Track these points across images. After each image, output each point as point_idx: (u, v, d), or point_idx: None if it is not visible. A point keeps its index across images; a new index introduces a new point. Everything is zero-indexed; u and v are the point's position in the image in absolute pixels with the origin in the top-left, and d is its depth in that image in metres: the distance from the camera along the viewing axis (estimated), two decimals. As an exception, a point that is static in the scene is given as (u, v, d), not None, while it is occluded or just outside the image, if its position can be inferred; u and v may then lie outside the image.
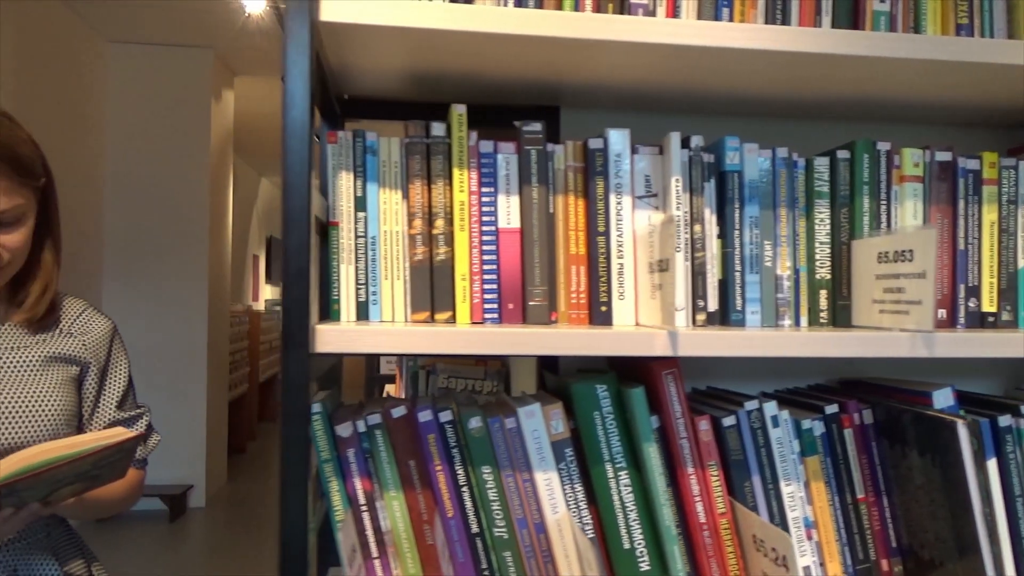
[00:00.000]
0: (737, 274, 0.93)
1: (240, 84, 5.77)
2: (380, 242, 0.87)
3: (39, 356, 1.07)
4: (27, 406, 1.02)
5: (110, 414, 1.15)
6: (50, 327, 1.12)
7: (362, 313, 0.87)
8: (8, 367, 1.04)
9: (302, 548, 0.70)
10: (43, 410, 1.04)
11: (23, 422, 1.01)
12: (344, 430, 0.84)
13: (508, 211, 0.90)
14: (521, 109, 1.07)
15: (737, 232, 0.93)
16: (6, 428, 1.00)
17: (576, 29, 0.82)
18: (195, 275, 5.02)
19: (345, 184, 0.87)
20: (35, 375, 1.06)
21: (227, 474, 5.75)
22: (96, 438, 0.90)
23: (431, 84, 0.99)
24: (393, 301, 0.88)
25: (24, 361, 1.06)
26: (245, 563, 4.05)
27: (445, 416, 0.85)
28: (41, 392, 1.04)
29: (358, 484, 0.84)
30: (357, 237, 0.87)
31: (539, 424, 0.86)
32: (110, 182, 4.88)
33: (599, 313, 0.90)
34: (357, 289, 0.87)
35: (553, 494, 0.87)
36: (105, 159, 4.86)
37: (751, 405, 0.91)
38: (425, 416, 0.85)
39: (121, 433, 0.92)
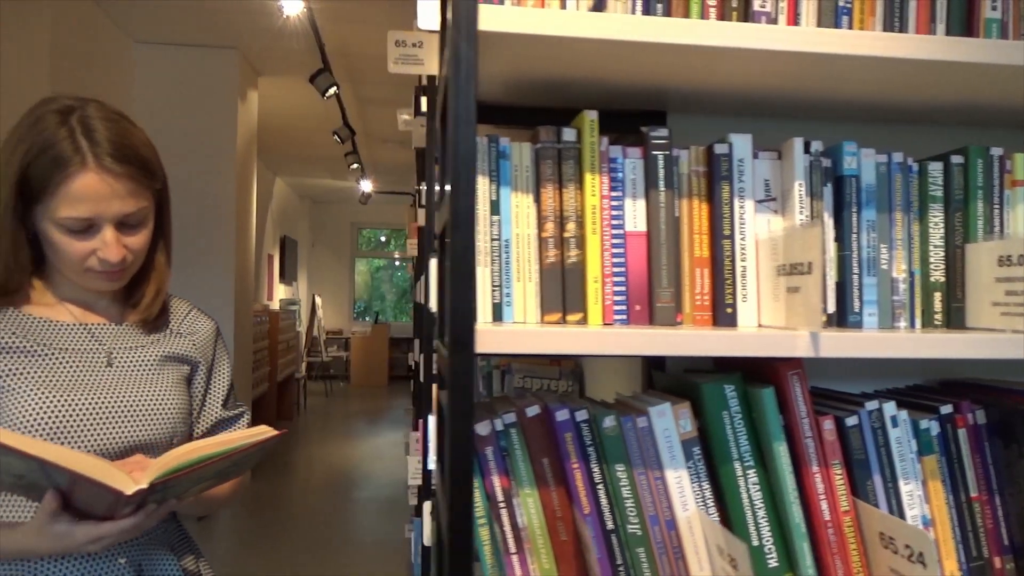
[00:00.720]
0: (855, 277, 0.95)
1: (261, 84, 5.79)
2: (513, 245, 0.89)
3: (155, 356, 1.09)
4: (148, 405, 1.04)
5: (216, 413, 1.17)
6: (161, 327, 1.14)
7: (496, 314, 0.89)
8: (127, 367, 1.06)
9: (468, 545, 0.72)
10: (163, 409, 1.06)
11: (146, 421, 1.03)
12: (483, 428, 0.86)
13: (635, 215, 0.92)
14: (625, 114, 1.09)
15: (854, 235, 0.95)
16: (131, 427, 1.02)
17: (709, 37, 0.84)
18: (222, 274, 5.05)
19: (481, 188, 0.88)
20: (153, 375, 1.08)
21: (250, 472, 5.77)
22: (243, 436, 0.92)
23: (547, 90, 1.01)
24: (525, 302, 0.90)
25: (142, 361, 1.08)
26: (271, 564, 4.07)
27: (581, 415, 0.87)
28: (160, 392, 1.06)
29: (496, 481, 0.86)
30: (492, 240, 0.89)
31: (670, 423, 0.88)
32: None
33: (724, 315, 0.92)
34: (492, 291, 0.88)
35: (683, 491, 0.88)
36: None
37: (871, 405, 0.93)
38: (562, 415, 0.87)
39: (265, 432, 0.94)
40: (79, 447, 0.98)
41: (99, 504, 0.87)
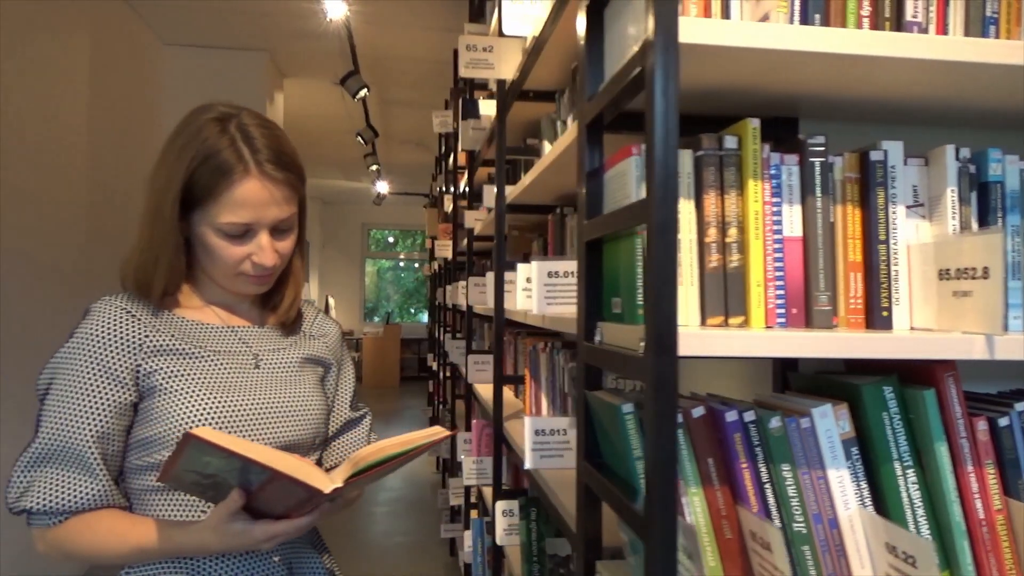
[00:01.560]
0: (1001, 280, 0.97)
1: (284, 85, 5.81)
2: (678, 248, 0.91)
3: (295, 358, 1.12)
4: (296, 406, 1.07)
5: (345, 414, 1.19)
6: (297, 330, 1.16)
7: (664, 318, 0.91)
8: (273, 368, 1.08)
9: (673, 545, 0.74)
10: (309, 409, 1.08)
11: (295, 421, 1.05)
12: (653, 429, 0.88)
13: (791, 220, 0.94)
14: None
15: (999, 240, 0.97)
16: (283, 427, 1.04)
17: (868, 46, 0.86)
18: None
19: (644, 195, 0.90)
20: (296, 376, 1.10)
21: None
22: (423, 435, 0.94)
23: (689, 98, 1.03)
24: (687, 306, 0.92)
25: (285, 363, 1.10)
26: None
27: (749, 416, 0.89)
28: (305, 392, 1.09)
29: (666, 481, 0.88)
30: (658, 245, 0.91)
31: (831, 424, 0.90)
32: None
33: (880, 318, 0.94)
34: (659, 295, 0.90)
35: (845, 490, 0.91)
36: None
37: (1021, 406, 0.95)
38: (731, 416, 0.89)
39: (439, 432, 0.96)
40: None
41: (281, 503, 0.89)
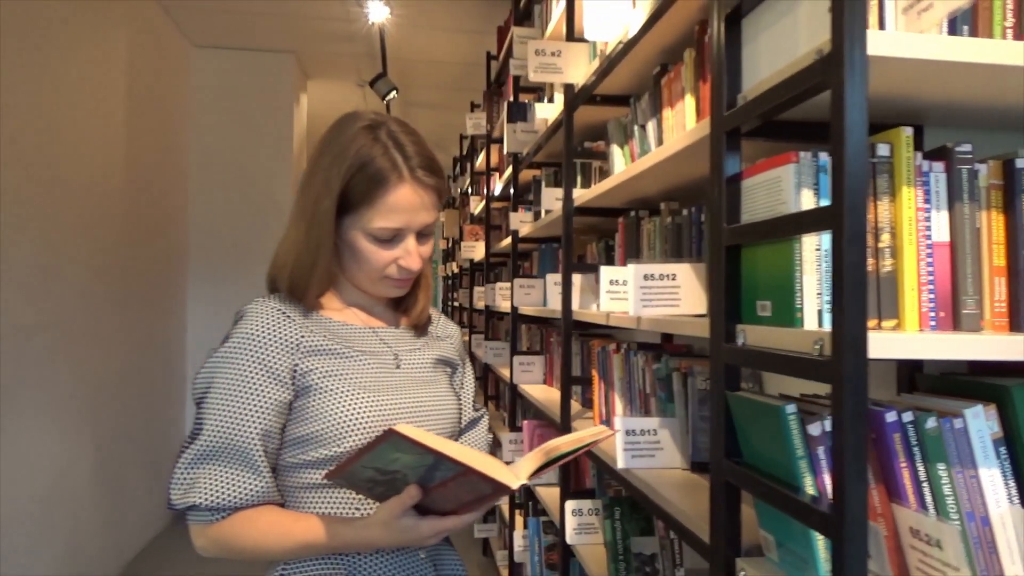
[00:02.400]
0: None
1: (308, 87, 5.82)
2: (833, 254, 0.94)
3: (429, 358, 1.14)
4: (435, 405, 1.09)
5: (468, 413, 1.22)
6: (426, 331, 1.18)
7: (821, 320, 0.93)
8: (412, 368, 1.11)
9: (863, 545, 0.77)
10: (447, 409, 1.10)
11: (436, 421, 1.08)
12: (815, 429, 0.91)
13: (939, 226, 0.96)
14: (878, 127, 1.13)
15: None
16: (424, 426, 1.06)
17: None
18: (278, 277, 5.07)
19: (806, 201, 0.93)
20: (432, 376, 1.12)
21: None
22: (591, 434, 0.96)
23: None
24: (842, 309, 0.94)
25: (421, 362, 1.12)
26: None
27: (907, 416, 0.92)
28: (441, 392, 1.11)
29: (827, 480, 0.91)
30: (815, 250, 0.93)
31: (983, 424, 0.93)
32: (194, 185, 4.93)
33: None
34: (816, 297, 0.93)
35: (996, 489, 0.93)
36: (188, 163, 4.91)
37: None
38: (891, 417, 0.91)
39: (604, 431, 0.98)
40: None
41: (454, 499, 0.91)
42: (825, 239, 0.94)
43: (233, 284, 4.95)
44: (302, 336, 1.02)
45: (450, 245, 7.48)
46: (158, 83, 4.33)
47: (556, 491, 2.40)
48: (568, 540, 2.07)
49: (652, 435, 1.62)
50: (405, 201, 1.01)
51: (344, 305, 1.10)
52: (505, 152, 3.17)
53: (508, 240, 3.55)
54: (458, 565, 1.11)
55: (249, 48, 5.04)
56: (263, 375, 0.99)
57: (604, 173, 2.31)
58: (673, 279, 1.52)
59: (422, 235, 1.06)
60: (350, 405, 1.00)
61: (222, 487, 0.96)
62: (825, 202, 0.94)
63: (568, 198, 2.14)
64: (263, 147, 5.07)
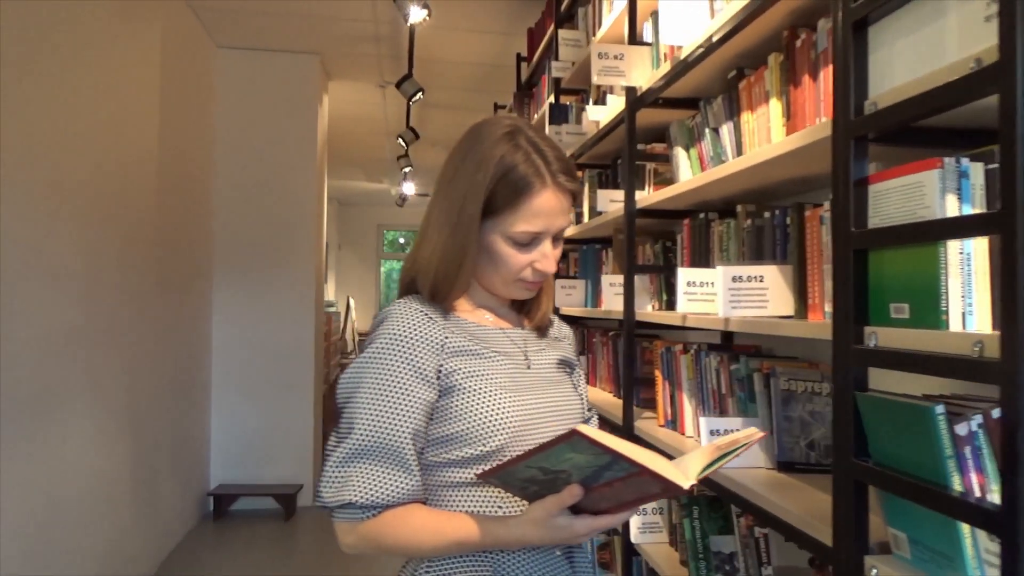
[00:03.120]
0: None
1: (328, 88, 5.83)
2: (974, 258, 0.96)
3: (554, 359, 1.16)
4: (565, 405, 1.11)
5: (585, 412, 1.24)
6: (547, 332, 1.20)
7: (965, 322, 0.95)
8: (541, 369, 1.12)
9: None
10: (575, 409, 1.12)
11: (565, 421, 1.10)
12: (961, 429, 0.93)
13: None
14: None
15: None
16: (556, 426, 1.08)
17: None
18: (303, 275, 5.09)
19: (950, 206, 0.95)
20: (559, 377, 1.14)
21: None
22: (745, 436, 0.98)
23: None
24: (981, 312, 0.96)
25: (548, 363, 1.14)
26: (363, 567, 4.11)
27: (1050, 416, 0.94)
28: (569, 392, 1.13)
29: (974, 479, 0.93)
30: (959, 253, 0.95)
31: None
32: (220, 184, 4.94)
33: None
34: (961, 300, 0.95)
35: None
36: (213, 163, 4.92)
37: None
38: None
39: (755, 434, 1.00)
40: (529, 446, 1.04)
41: (614, 499, 0.93)
42: (968, 243, 0.96)
43: (256, 283, 4.97)
44: (445, 337, 1.04)
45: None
46: (186, 83, 4.33)
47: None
48: (633, 539, 2.09)
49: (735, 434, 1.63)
50: (547, 206, 1.03)
51: (474, 307, 1.12)
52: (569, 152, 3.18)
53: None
54: (588, 564, 1.13)
55: (273, 49, 5.05)
56: (412, 375, 1.00)
57: (659, 175, 2.33)
58: (761, 281, 1.54)
59: (555, 239, 1.08)
60: (495, 405, 1.02)
61: (375, 485, 0.98)
62: (968, 207, 0.97)
63: (631, 200, 2.15)
64: (287, 148, 5.08)
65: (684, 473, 0.91)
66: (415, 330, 1.02)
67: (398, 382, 1.00)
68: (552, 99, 3.20)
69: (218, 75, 4.96)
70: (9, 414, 2.39)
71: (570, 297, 3.08)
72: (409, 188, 9.09)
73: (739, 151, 1.71)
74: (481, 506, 1.04)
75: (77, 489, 2.94)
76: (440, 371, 1.02)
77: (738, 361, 1.72)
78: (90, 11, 2.98)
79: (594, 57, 2.12)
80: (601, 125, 2.51)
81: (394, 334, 1.02)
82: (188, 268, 4.41)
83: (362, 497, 0.97)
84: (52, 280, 2.70)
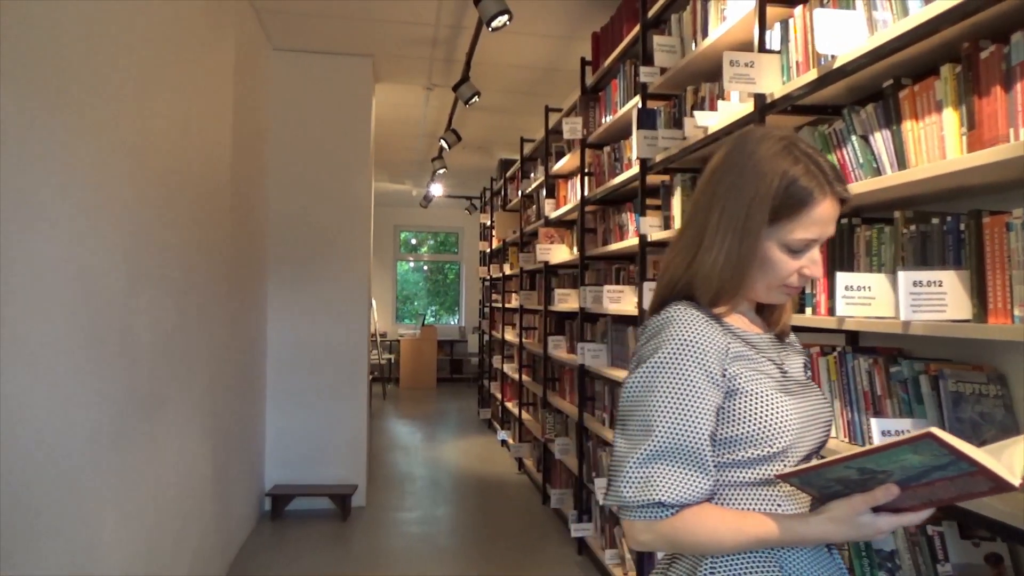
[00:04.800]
0: None
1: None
2: None
3: (799, 364, 1.20)
4: (823, 411, 1.15)
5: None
6: (784, 338, 1.24)
7: None
8: (793, 374, 1.16)
9: None
10: (829, 414, 1.16)
11: (825, 424, 1.14)
12: None
13: None
14: None
15: None
16: (822, 431, 1.12)
17: None
18: (355, 277, 5.12)
19: None
20: (807, 381, 1.18)
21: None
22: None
23: None
24: None
25: (797, 368, 1.18)
26: (411, 563, 4.13)
27: None
28: (820, 396, 1.17)
29: None
30: None
31: None
32: (273, 186, 4.96)
33: None
34: None
35: None
36: (267, 164, 4.94)
37: None
38: None
39: None
40: (804, 450, 1.08)
41: (925, 496, 0.96)
42: None
43: (308, 285, 4.99)
44: (727, 342, 1.08)
45: (500, 247, 7.51)
46: (251, 87, 4.36)
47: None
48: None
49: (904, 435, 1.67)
50: (825, 214, 1.07)
51: (732, 311, 1.16)
52: (635, 157, 3.22)
53: (620, 243, 3.61)
54: (841, 560, 1.16)
55: (325, 52, 5.07)
56: (704, 379, 1.04)
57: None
58: (940, 285, 1.58)
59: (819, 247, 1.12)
60: (778, 408, 1.06)
61: (678, 485, 1.01)
62: None
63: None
64: (340, 150, 5.10)
65: (1009, 469, 0.94)
66: (703, 335, 1.06)
67: (693, 386, 1.04)
68: (639, 104, 3.23)
69: (273, 77, 4.97)
70: (132, 414, 2.41)
71: (617, 302, 3.13)
72: (437, 189, 9.12)
73: (899, 159, 1.75)
74: (760, 504, 1.08)
75: (176, 489, 2.96)
76: (725, 374, 1.06)
77: (897, 363, 1.76)
78: (181, 14, 3.00)
79: (725, 64, 2.16)
80: (711, 131, 2.55)
81: (684, 339, 1.06)
82: (249, 270, 4.43)
83: (668, 496, 1.01)
84: (160, 284, 2.72)
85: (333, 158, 5.08)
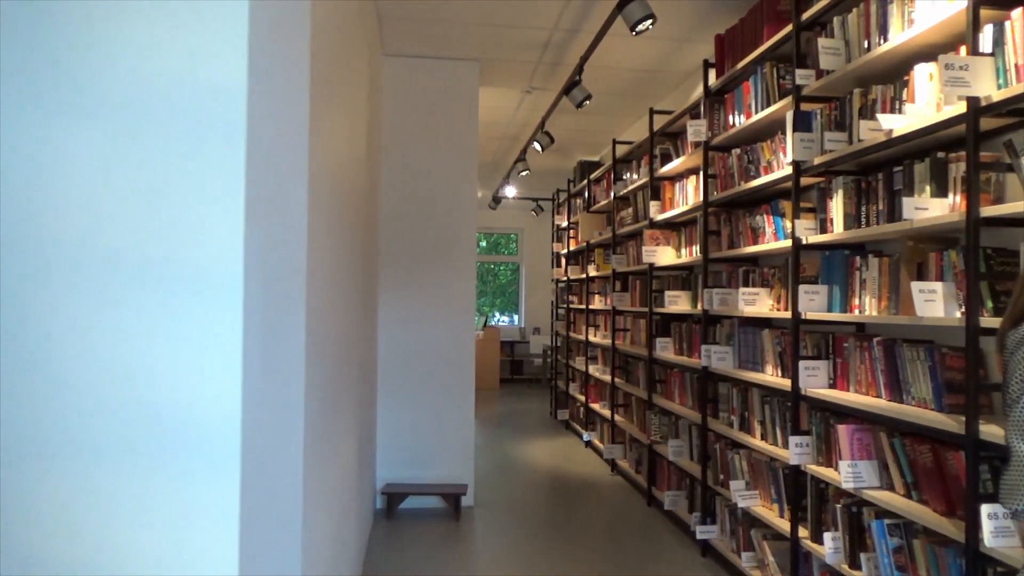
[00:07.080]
0: None
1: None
2: None
3: None
4: None
5: None
6: None
7: None
8: None
9: None
10: None
11: None
12: None
13: None
14: None
15: None
16: None
17: None
18: (463, 279, 5.17)
19: None
20: None
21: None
22: None
23: None
24: None
25: None
26: (532, 563, 4.16)
27: None
28: None
29: None
30: None
31: None
32: (385, 189, 5.03)
33: None
34: None
35: None
36: (380, 170, 5.00)
37: None
38: None
39: None
40: None
41: None
42: None
43: (415, 286, 5.05)
44: None
45: (581, 248, 7.52)
46: (375, 94, 4.42)
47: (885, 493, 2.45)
48: (986, 543, 2.12)
49: None
50: None
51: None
52: (790, 160, 3.22)
53: (760, 246, 3.60)
54: None
55: (434, 56, 5.12)
56: None
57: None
58: None
59: None
60: None
61: None
62: None
63: (974, 208, 2.18)
64: (448, 154, 5.16)
65: None
66: None
67: None
68: (793, 106, 3.23)
69: (386, 83, 5.04)
70: (316, 414, 2.47)
71: (813, 302, 3.12)
72: (510, 191, 9.17)
73: None
74: None
75: (343, 488, 3.02)
76: None
77: None
78: (339, 25, 3.06)
79: (940, 68, 2.16)
80: (896, 134, 2.54)
81: None
82: (370, 272, 4.50)
83: None
84: (334, 288, 2.78)
85: (441, 163, 5.14)
